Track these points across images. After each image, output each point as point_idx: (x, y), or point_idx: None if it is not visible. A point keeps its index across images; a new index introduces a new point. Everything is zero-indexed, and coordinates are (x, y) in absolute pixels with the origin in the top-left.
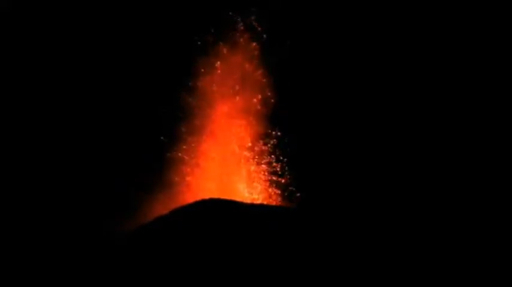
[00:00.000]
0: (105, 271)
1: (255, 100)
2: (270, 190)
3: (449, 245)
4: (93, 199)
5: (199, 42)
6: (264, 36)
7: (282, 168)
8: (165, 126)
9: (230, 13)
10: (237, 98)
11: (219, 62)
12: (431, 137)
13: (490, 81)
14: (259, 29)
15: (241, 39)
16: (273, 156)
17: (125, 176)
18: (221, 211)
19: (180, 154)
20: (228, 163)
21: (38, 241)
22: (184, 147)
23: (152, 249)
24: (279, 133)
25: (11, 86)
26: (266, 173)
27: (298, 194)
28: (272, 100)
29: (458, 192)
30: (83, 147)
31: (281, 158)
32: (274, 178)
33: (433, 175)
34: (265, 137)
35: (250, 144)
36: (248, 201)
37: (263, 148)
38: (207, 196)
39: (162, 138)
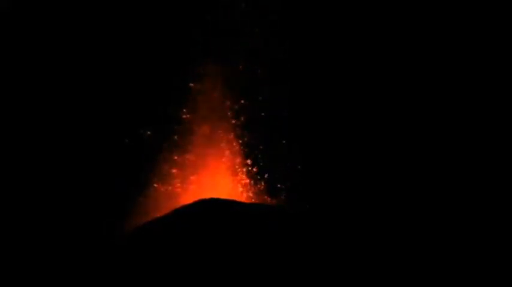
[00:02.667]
0: (104, 271)
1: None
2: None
3: (449, 245)
4: (92, 199)
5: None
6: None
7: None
8: (163, 127)
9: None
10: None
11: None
12: (431, 137)
13: (490, 81)
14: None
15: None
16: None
17: (124, 176)
18: (221, 211)
19: (185, 154)
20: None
21: (36, 241)
22: (186, 146)
23: (152, 250)
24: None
25: (10, 86)
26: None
27: (298, 195)
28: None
29: (458, 192)
30: (82, 147)
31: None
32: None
33: (433, 175)
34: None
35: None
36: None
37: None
38: (206, 195)
39: (161, 137)
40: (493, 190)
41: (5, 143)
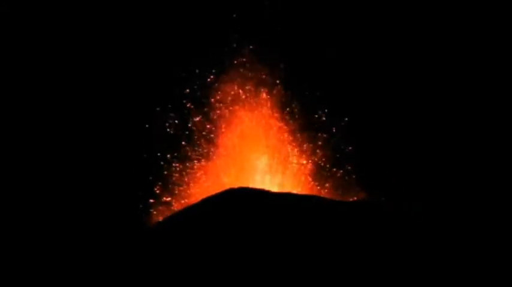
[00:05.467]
0: (134, 261)
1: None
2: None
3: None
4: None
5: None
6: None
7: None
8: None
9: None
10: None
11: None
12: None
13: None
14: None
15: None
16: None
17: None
18: (253, 201)
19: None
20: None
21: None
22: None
23: (187, 239)
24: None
25: (11, 87)
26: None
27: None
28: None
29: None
30: (92, 145)
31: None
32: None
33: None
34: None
35: None
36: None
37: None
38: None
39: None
40: (492, 189)
41: (8, 144)
